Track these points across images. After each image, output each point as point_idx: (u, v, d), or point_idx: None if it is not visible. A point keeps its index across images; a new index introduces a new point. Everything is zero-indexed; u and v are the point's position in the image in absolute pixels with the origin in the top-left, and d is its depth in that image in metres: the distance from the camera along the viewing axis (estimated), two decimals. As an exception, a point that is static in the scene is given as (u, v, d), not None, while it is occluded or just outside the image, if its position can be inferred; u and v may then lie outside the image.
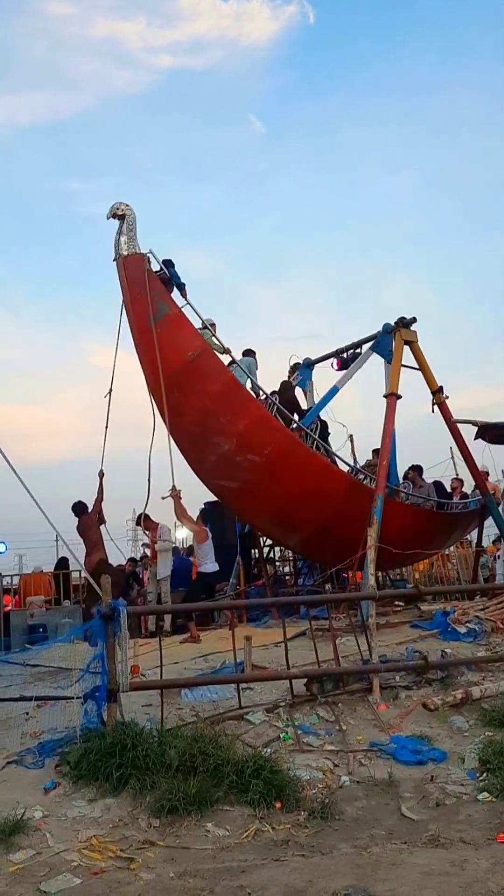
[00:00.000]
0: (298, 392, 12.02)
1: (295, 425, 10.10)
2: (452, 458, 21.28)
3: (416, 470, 11.72)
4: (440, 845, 3.90)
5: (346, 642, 7.03)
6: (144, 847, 3.97)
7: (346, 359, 11.28)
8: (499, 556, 13.03)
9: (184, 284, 9.40)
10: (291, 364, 12.32)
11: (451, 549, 13.99)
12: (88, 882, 3.60)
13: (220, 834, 4.12)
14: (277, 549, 13.06)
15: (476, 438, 11.51)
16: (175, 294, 9.38)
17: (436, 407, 10.89)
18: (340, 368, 11.35)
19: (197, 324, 9.53)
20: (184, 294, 9.37)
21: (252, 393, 9.94)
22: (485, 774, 4.74)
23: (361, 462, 12.44)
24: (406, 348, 10.47)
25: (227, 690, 6.02)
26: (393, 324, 10.56)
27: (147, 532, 11.11)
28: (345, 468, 10.68)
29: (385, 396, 10.24)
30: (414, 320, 10.62)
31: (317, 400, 11.57)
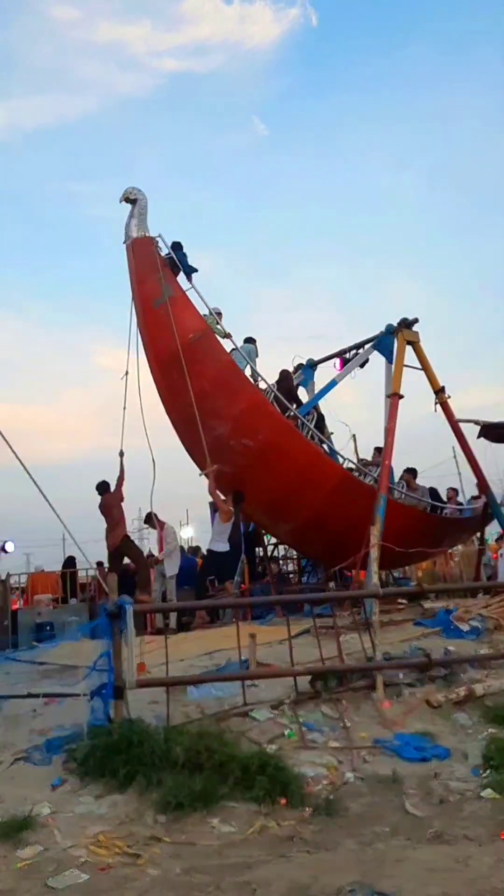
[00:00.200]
0: (301, 392, 12.07)
1: (291, 413, 10.12)
2: (455, 457, 21.33)
3: (411, 473, 11.70)
4: (444, 842, 3.92)
5: (350, 640, 7.05)
6: (151, 843, 3.99)
7: (349, 360, 11.33)
8: (502, 555, 13.08)
9: (193, 269, 9.44)
10: (294, 364, 12.37)
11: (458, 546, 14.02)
12: (96, 878, 3.62)
13: (226, 830, 4.14)
14: (282, 547, 13.09)
15: (479, 438, 11.54)
16: (181, 278, 9.44)
17: (438, 406, 10.93)
18: (343, 369, 11.41)
19: (203, 311, 9.57)
20: (190, 279, 9.42)
21: (251, 379, 9.97)
22: (488, 771, 4.77)
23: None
24: (408, 348, 10.52)
25: (232, 687, 6.03)
26: (395, 324, 10.60)
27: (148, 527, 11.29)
28: (341, 461, 10.72)
29: (388, 396, 10.27)
30: (416, 321, 10.66)
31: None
